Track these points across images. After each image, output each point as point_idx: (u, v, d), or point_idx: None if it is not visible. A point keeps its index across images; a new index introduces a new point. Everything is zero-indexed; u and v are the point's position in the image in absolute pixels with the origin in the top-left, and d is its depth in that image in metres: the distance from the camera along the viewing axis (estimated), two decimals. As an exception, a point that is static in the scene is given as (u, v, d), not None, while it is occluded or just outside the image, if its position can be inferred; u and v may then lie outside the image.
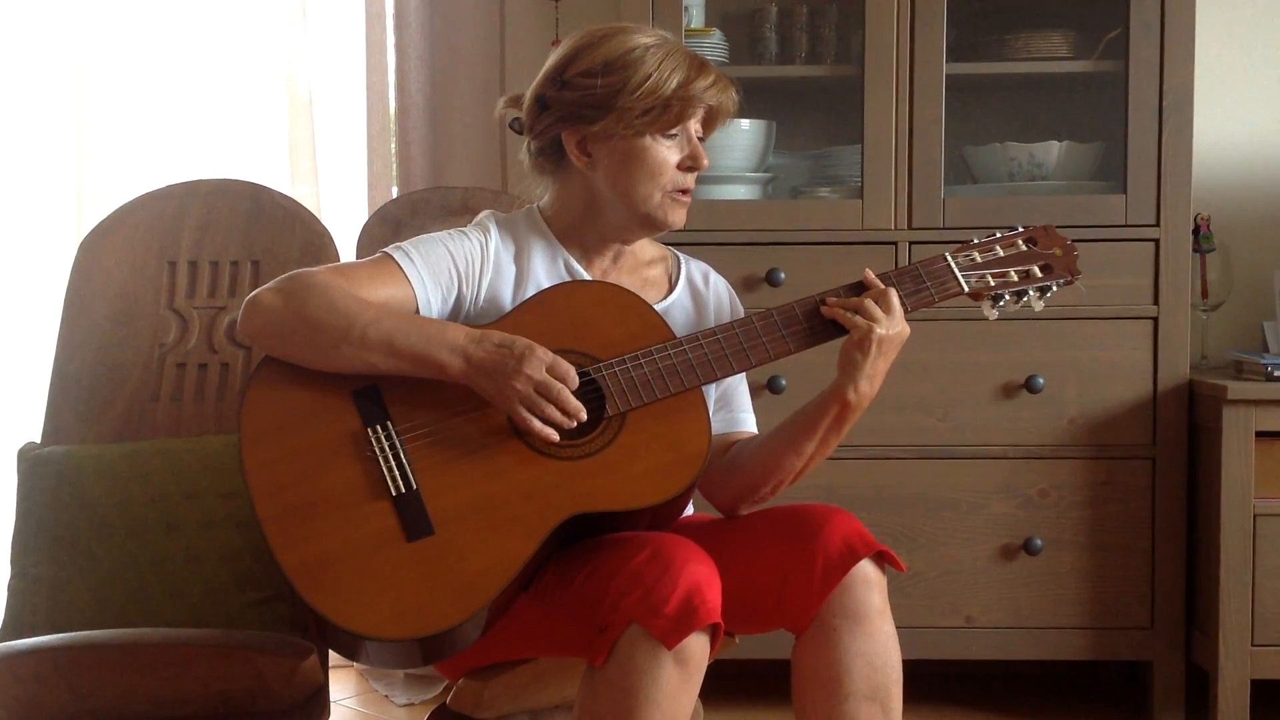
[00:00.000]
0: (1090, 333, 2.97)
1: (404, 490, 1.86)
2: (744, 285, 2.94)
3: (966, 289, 2.02)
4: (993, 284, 2.03)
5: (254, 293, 1.94)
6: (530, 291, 2.04)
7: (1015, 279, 2.04)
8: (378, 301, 1.93)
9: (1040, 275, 2.05)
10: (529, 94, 2.07)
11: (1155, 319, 2.96)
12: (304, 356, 1.92)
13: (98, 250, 2.67)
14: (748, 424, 2.16)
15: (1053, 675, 3.34)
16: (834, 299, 1.98)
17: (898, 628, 1.91)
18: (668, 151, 2.01)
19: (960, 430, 2.99)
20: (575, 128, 2.01)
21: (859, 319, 1.94)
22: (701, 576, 1.78)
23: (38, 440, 2.56)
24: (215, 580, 2.34)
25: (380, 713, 3.12)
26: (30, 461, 2.46)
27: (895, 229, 2.98)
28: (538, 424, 1.85)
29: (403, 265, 1.98)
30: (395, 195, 3.31)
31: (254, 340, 1.95)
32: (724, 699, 3.04)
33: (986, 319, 2.07)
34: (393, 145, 3.39)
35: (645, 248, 2.16)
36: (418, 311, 1.98)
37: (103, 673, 2.07)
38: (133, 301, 2.64)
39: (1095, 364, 2.97)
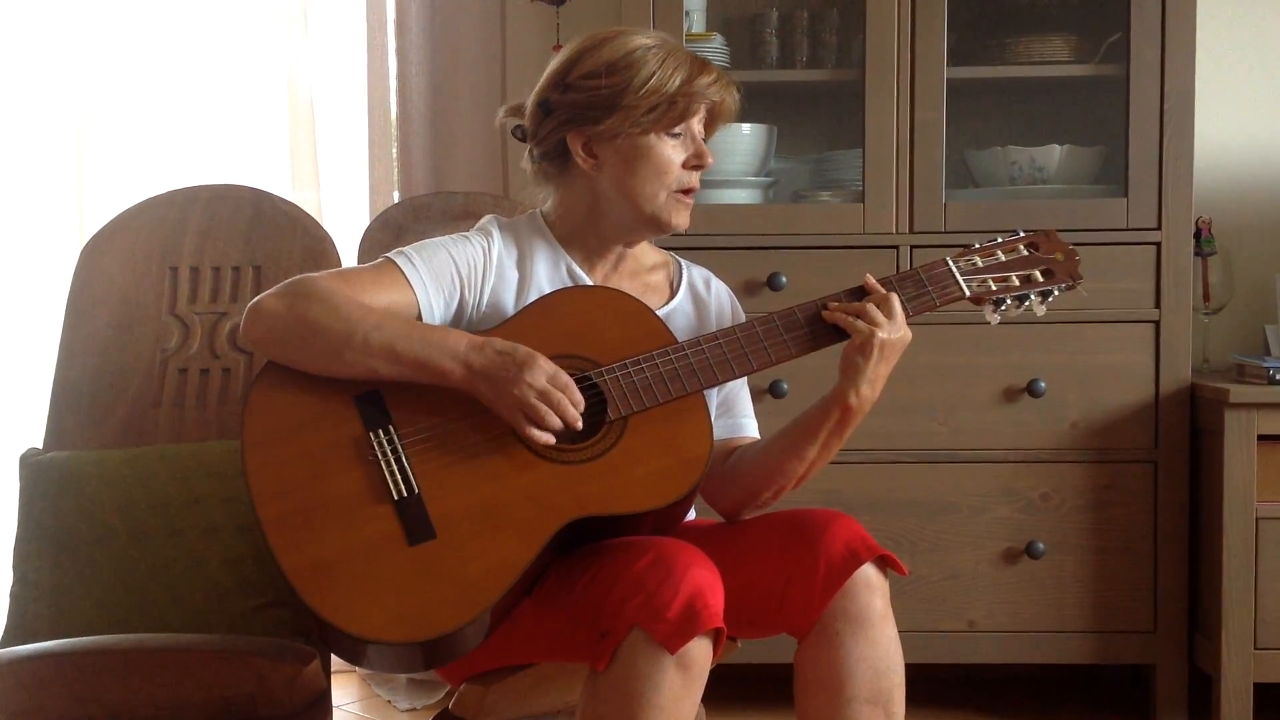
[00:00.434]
0: (1092, 336, 2.97)
1: (405, 494, 1.86)
2: (745, 289, 2.94)
3: (968, 293, 2.02)
4: (994, 288, 2.03)
5: (256, 299, 1.94)
6: (533, 296, 2.04)
7: (1017, 284, 2.04)
8: (380, 307, 1.94)
9: (1042, 280, 2.05)
10: (531, 100, 2.08)
11: (1157, 322, 2.96)
12: (306, 362, 1.92)
13: (99, 256, 2.67)
14: (749, 429, 2.16)
15: (1055, 679, 3.34)
16: (835, 304, 1.98)
17: (900, 632, 1.91)
18: (673, 150, 2.02)
19: (962, 434, 2.99)
20: (581, 129, 2.02)
21: (860, 323, 1.94)
22: (704, 581, 1.78)
23: (39, 446, 2.56)
24: (217, 586, 2.34)
25: (383, 718, 3.12)
26: (32, 467, 2.46)
27: (896, 233, 2.98)
28: (537, 431, 1.85)
29: (405, 270, 1.98)
30: (396, 200, 3.31)
31: (256, 346, 1.95)
32: (726, 703, 3.04)
33: (988, 323, 2.07)
34: (394, 150, 3.39)
35: (647, 253, 2.16)
36: (420, 317, 1.98)
37: (105, 678, 2.07)
38: (134, 307, 2.64)
39: (1097, 368, 2.97)
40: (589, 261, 2.10)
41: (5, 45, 3.32)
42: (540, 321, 1.97)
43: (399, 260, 2.00)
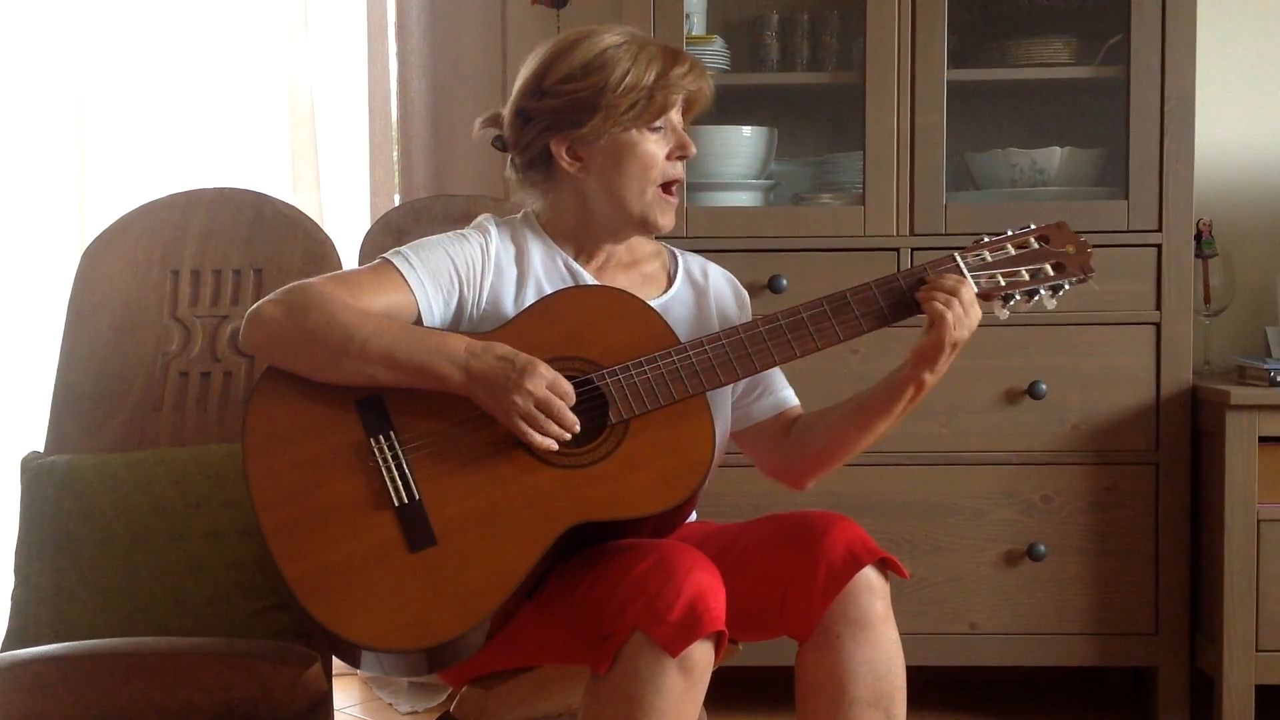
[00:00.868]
0: (1093, 338, 2.97)
1: (406, 500, 1.86)
2: (747, 292, 2.94)
3: (977, 290, 1.99)
4: (1003, 284, 2.00)
5: (255, 305, 1.94)
6: (531, 293, 2.04)
7: (1026, 278, 2.01)
8: (379, 309, 1.93)
9: (1053, 274, 2.01)
10: (508, 110, 2.08)
11: (1158, 324, 2.96)
12: (305, 369, 1.92)
13: (100, 259, 2.67)
14: (791, 400, 2.18)
15: (1057, 681, 3.34)
16: (924, 286, 1.97)
17: (901, 634, 1.90)
18: (655, 144, 2.02)
19: (963, 436, 2.99)
20: (563, 134, 2.02)
21: (947, 315, 1.92)
22: (705, 584, 1.78)
23: (41, 450, 2.56)
24: (219, 589, 2.34)
25: (384, 721, 3.12)
26: (33, 471, 2.46)
27: (897, 235, 2.98)
28: (537, 437, 1.85)
29: (403, 271, 1.98)
30: (397, 203, 3.31)
31: (256, 352, 1.96)
32: (728, 706, 3.03)
33: (989, 325, 2.06)
34: (395, 153, 3.39)
35: (641, 243, 2.16)
36: (420, 317, 1.98)
37: (107, 682, 2.07)
38: (135, 310, 2.64)
39: (1098, 370, 2.97)
40: (584, 256, 2.10)
41: (6, 48, 3.32)
42: (542, 323, 1.97)
43: (397, 261, 1.99)
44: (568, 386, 1.87)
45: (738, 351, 1.96)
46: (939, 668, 3.03)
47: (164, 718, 2.10)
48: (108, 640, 2.19)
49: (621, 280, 2.09)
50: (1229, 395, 2.81)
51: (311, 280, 1.96)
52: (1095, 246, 2.82)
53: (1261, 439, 2.84)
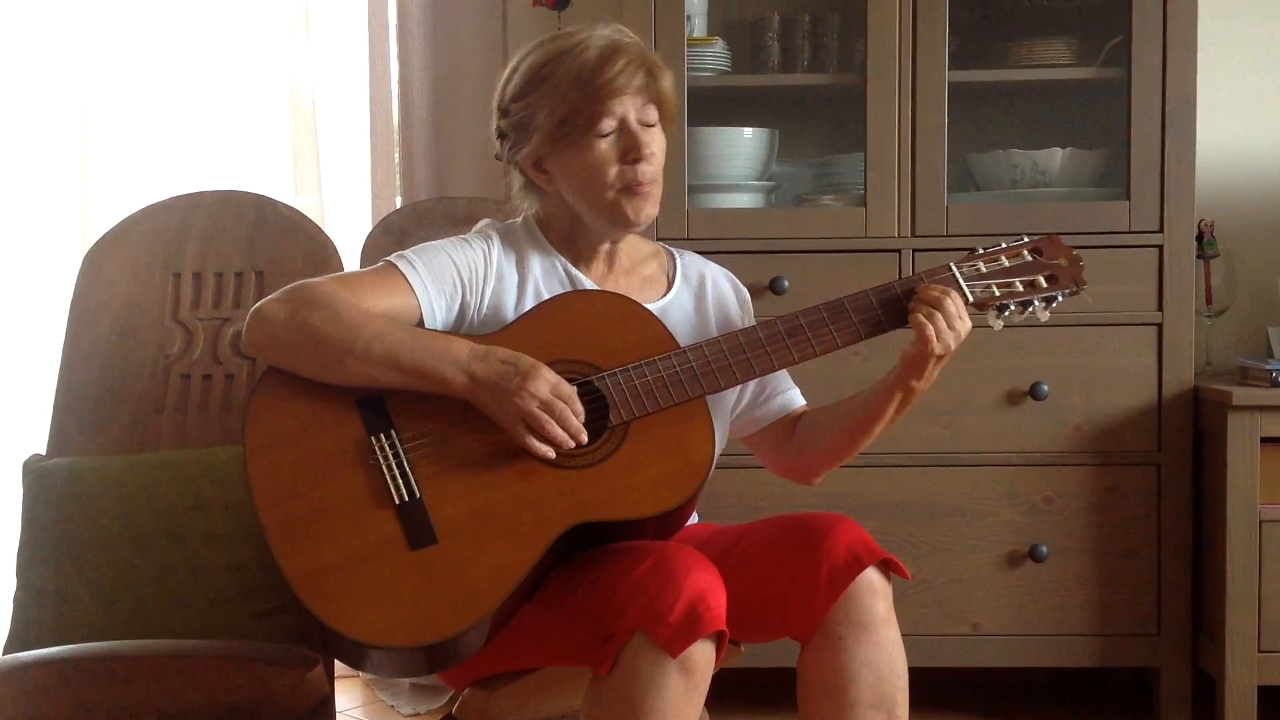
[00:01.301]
0: (1094, 339, 2.97)
1: (407, 499, 1.86)
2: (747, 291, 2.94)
3: (971, 299, 2.01)
4: (998, 294, 2.03)
5: (258, 304, 1.94)
6: (532, 298, 2.04)
7: (1020, 289, 2.03)
8: (382, 311, 1.93)
9: (1046, 285, 2.04)
10: (492, 125, 2.09)
11: (1159, 325, 2.96)
12: (308, 369, 1.92)
13: (102, 262, 2.67)
14: (797, 400, 2.19)
15: (1059, 683, 3.34)
16: (918, 295, 1.97)
17: (903, 636, 1.90)
18: (605, 149, 1.99)
19: (965, 438, 2.99)
20: (524, 151, 2.03)
21: (930, 330, 1.93)
22: (705, 585, 1.78)
23: (43, 452, 2.56)
24: (221, 592, 2.34)
25: (386, 723, 3.12)
26: (35, 474, 2.46)
27: (898, 236, 2.98)
28: (537, 443, 1.85)
29: (406, 274, 1.98)
30: (399, 205, 3.31)
31: (258, 352, 1.95)
32: (730, 707, 3.03)
33: (990, 328, 2.06)
34: (396, 155, 3.39)
35: (639, 245, 2.16)
36: (422, 320, 1.98)
37: (108, 684, 2.07)
38: (137, 313, 2.64)
39: (1099, 371, 2.97)
40: (583, 262, 2.10)
41: (8, 51, 3.32)
42: (543, 326, 1.97)
43: (400, 264, 2.00)
44: (570, 390, 1.87)
45: (737, 356, 1.97)
46: (941, 669, 3.03)
47: (166, 720, 2.11)
48: (109, 643, 2.19)
49: (621, 284, 2.09)
50: (1231, 396, 2.81)
51: (315, 280, 1.96)
52: (1096, 247, 2.85)
53: (1263, 439, 2.84)
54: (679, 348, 1.97)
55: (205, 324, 2.65)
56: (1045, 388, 2.96)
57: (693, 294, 2.15)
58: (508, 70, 2.05)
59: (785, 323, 1.99)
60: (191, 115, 3.38)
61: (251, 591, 2.34)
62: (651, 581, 1.77)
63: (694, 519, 2.12)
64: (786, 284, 2.96)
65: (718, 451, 1.98)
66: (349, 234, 3.30)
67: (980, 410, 2.99)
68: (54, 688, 2.07)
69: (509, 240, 2.09)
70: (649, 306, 2.04)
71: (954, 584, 3.00)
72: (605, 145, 1.99)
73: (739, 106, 3.27)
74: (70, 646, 2.16)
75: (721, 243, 2.96)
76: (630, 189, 2.00)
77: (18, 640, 2.33)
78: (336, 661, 2.11)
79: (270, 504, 1.86)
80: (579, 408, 1.87)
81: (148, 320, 2.64)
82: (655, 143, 2.01)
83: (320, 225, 2.87)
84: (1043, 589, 2.99)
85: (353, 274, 2.03)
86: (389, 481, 1.86)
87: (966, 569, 3.00)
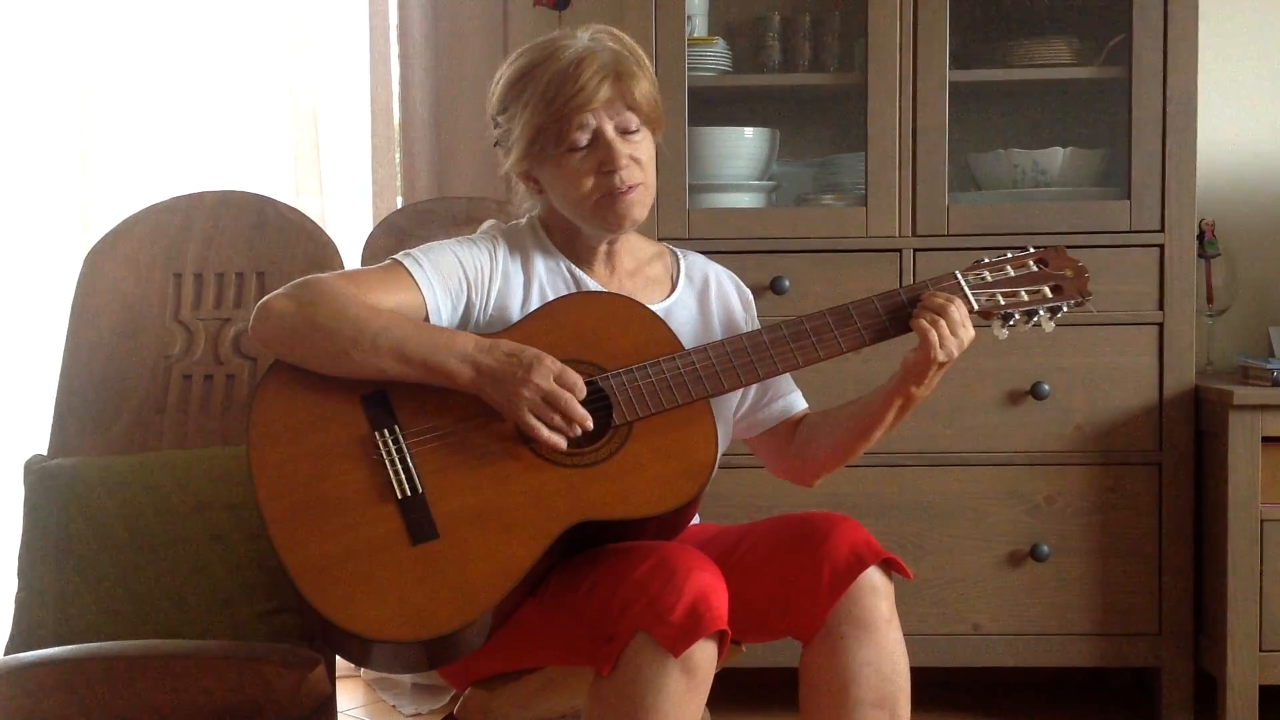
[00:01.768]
0: (1096, 339, 2.97)
1: (409, 494, 1.86)
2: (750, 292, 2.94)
3: (976, 307, 2.02)
4: (1003, 303, 2.03)
5: (265, 298, 1.95)
6: (537, 299, 2.04)
7: (1025, 299, 2.04)
8: (388, 308, 1.94)
9: (1051, 296, 2.04)
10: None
11: (1161, 325, 2.96)
12: (314, 362, 1.92)
13: (103, 262, 2.67)
14: (800, 403, 2.19)
15: (1061, 682, 3.33)
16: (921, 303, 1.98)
17: (905, 635, 1.91)
18: (580, 163, 1.98)
19: (966, 437, 2.99)
20: (513, 162, 2.04)
21: (933, 335, 1.94)
22: (707, 584, 1.78)
23: (44, 453, 2.57)
24: (222, 592, 2.34)
25: (387, 723, 3.12)
26: (37, 474, 2.46)
27: (899, 236, 2.98)
28: (545, 432, 1.86)
29: (413, 272, 1.99)
30: (400, 206, 3.31)
31: (265, 345, 1.96)
32: (731, 707, 3.03)
33: (994, 336, 2.07)
34: (397, 156, 3.39)
35: (642, 246, 2.16)
36: (427, 318, 1.98)
37: (110, 685, 2.07)
38: (138, 313, 2.64)
39: (1101, 370, 2.97)
40: (585, 263, 2.10)
41: (9, 52, 3.32)
42: (548, 326, 1.98)
43: (406, 262, 2.00)
44: (575, 378, 1.87)
45: (741, 359, 1.97)
46: (943, 668, 3.03)
47: (168, 720, 2.11)
48: (111, 643, 2.19)
49: (625, 285, 2.10)
50: (1232, 395, 2.81)
51: (322, 275, 1.97)
52: (1097, 247, 2.85)
53: (1265, 439, 2.84)
54: (683, 349, 1.97)
55: (206, 324, 2.65)
56: (1046, 387, 2.96)
57: (696, 295, 2.15)
58: (494, 80, 2.06)
59: (790, 326, 1.99)
60: (192, 115, 3.38)
61: (253, 591, 2.34)
62: (653, 581, 1.77)
63: (696, 519, 2.12)
64: (787, 284, 2.96)
65: (720, 453, 1.98)
66: (350, 234, 3.30)
67: (982, 410, 2.99)
68: (55, 688, 2.07)
69: (514, 241, 2.09)
70: (653, 307, 2.04)
71: (955, 583, 3.00)
72: (579, 159, 1.98)
73: (740, 106, 3.27)
74: (72, 647, 2.16)
75: (722, 243, 2.96)
76: (610, 196, 1.98)
77: (19, 641, 2.33)
78: (338, 661, 2.11)
79: (273, 497, 1.86)
80: (582, 393, 1.87)
81: (149, 320, 2.64)
82: (639, 149, 2.00)
83: (321, 225, 2.87)
84: (1044, 588, 2.99)
85: (359, 270, 2.04)
86: (391, 476, 1.87)
87: (968, 568, 3.00)
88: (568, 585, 1.89)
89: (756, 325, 2.15)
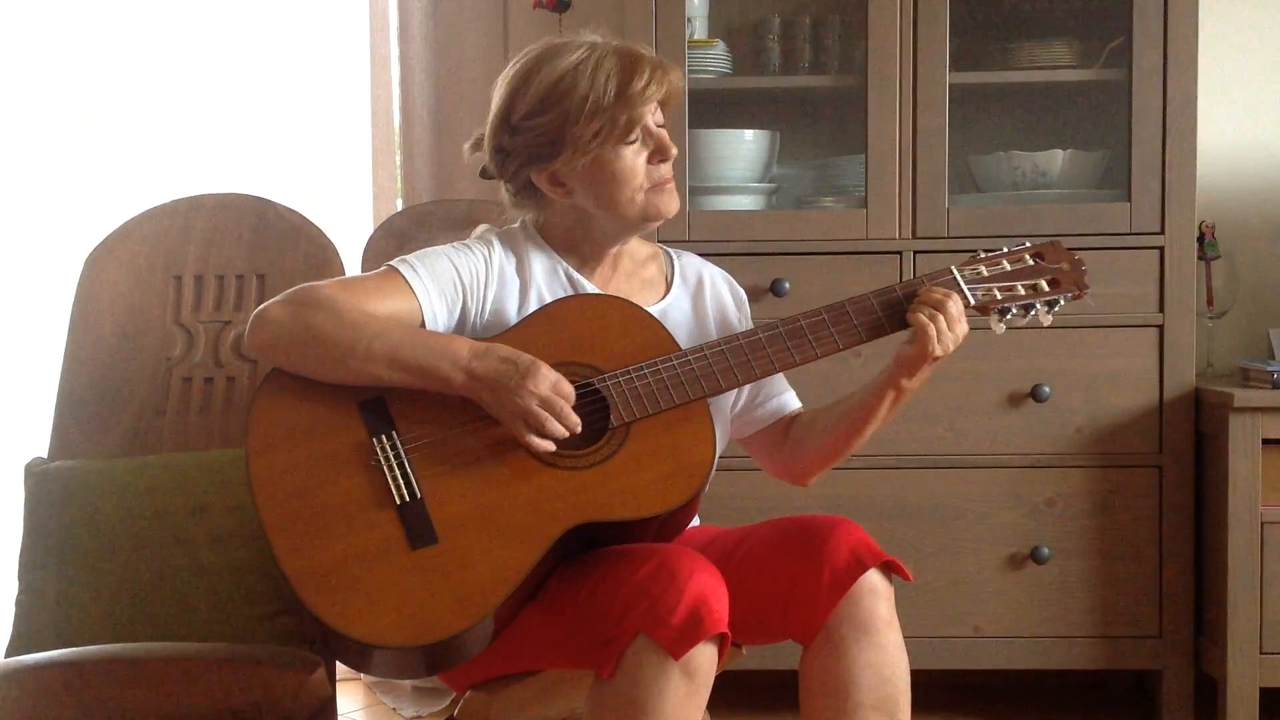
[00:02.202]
0: (1096, 341, 2.97)
1: (408, 499, 1.86)
2: (748, 295, 2.91)
3: (973, 302, 2.02)
4: (999, 297, 2.03)
5: (261, 306, 1.95)
6: (534, 302, 2.04)
7: (1022, 293, 2.03)
8: (383, 314, 1.94)
9: (1048, 290, 2.04)
10: (486, 144, 2.08)
11: (1161, 327, 2.96)
12: (310, 369, 1.92)
13: (103, 265, 2.67)
14: (793, 403, 2.19)
15: (1061, 685, 3.33)
16: (919, 298, 1.98)
17: (905, 638, 1.91)
18: (633, 155, 2.01)
19: (966, 440, 2.99)
20: (539, 167, 2.02)
21: (931, 330, 1.94)
22: (708, 587, 1.78)
23: (44, 455, 2.56)
24: (222, 595, 2.34)
25: (388, 726, 3.12)
26: (37, 477, 2.46)
27: (900, 238, 2.98)
28: (536, 440, 1.85)
29: (408, 278, 1.99)
30: (400, 208, 3.31)
31: (261, 353, 1.96)
32: (731, 710, 3.03)
33: (992, 331, 2.07)
34: (397, 158, 3.39)
35: (639, 248, 2.16)
36: (424, 324, 1.98)
37: (110, 687, 2.07)
38: (138, 316, 2.64)
39: (1101, 373, 2.97)
40: (586, 266, 2.10)
41: (9, 54, 3.32)
42: (545, 329, 1.98)
43: (402, 268, 2.00)
44: (569, 388, 1.88)
45: (737, 358, 1.97)
46: (943, 671, 3.03)
47: (168, 723, 2.10)
48: (111, 646, 2.19)
49: (622, 288, 2.10)
50: (1232, 398, 2.81)
51: (317, 283, 1.97)
52: (1098, 249, 2.84)
53: (1265, 441, 2.84)
54: (680, 350, 1.97)
55: (207, 327, 2.65)
56: (1047, 389, 2.96)
57: (691, 296, 2.15)
58: (509, 87, 2.03)
59: (786, 325, 1.99)
60: (193, 118, 3.39)
61: (253, 594, 2.34)
62: (654, 584, 1.77)
63: (696, 521, 2.13)
64: (787, 286, 2.97)
65: (718, 453, 1.99)
66: (350, 237, 3.30)
67: (982, 412, 2.99)
68: (56, 690, 2.07)
69: (510, 245, 2.09)
70: (649, 309, 2.04)
71: (956, 586, 3.00)
72: (634, 151, 2.01)
73: (740, 109, 3.27)
74: (72, 649, 2.16)
75: (722, 245, 2.96)
76: (658, 187, 2.02)
77: (19, 643, 2.33)
78: (338, 664, 2.11)
79: (272, 504, 1.86)
80: (573, 400, 1.87)
81: (149, 323, 2.64)
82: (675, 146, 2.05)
83: (321, 228, 2.87)
84: (1044, 591, 2.99)
85: (354, 278, 2.04)
86: (390, 482, 1.87)
87: (968, 571, 3.00)
88: (568, 588, 1.89)
89: (750, 324, 2.15)
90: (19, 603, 2.38)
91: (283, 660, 2.10)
